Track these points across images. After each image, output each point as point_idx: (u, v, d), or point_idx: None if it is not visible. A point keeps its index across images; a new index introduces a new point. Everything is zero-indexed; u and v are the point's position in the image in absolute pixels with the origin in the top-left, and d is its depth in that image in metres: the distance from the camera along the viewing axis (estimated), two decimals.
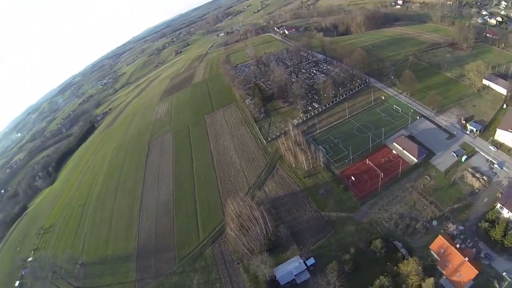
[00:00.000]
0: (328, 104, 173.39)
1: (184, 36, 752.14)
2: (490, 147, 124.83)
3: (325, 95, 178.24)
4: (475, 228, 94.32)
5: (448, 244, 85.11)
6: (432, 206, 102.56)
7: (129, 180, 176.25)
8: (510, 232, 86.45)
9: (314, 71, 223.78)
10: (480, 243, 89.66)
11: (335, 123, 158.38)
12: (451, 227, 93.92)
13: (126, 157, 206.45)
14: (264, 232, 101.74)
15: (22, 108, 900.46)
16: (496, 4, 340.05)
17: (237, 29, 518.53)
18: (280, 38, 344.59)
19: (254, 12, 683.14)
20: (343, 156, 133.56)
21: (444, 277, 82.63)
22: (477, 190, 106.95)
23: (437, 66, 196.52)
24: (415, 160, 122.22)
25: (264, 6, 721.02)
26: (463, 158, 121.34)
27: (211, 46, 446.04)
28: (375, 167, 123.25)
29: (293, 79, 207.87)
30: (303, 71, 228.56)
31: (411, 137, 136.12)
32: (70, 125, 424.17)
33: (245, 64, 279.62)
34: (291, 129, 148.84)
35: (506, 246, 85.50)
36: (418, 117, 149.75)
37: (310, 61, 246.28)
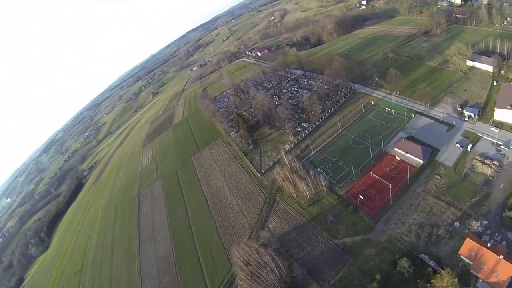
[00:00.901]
0: (318, 121, 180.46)
1: (159, 75, 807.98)
2: (492, 129, 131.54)
3: (312, 112, 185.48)
4: (500, 219, 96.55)
5: (478, 245, 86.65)
6: (450, 206, 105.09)
7: (123, 238, 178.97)
8: None
9: (296, 89, 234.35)
10: (509, 233, 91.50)
11: (329, 140, 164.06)
12: (475, 224, 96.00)
13: (117, 213, 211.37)
14: (278, 276, 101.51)
15: (9, 172, 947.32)
16: None
17: (209, 60, 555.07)
18: (254, 62, 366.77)
19: (224, 40, 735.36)
20: (345, 174, 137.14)
21: (481, 280, 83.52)
22: (491, 178, 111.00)
23: (418, 58, 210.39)
24: (421, 161, 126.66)
25: (232, 32, 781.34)
26: (469, 147, 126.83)
27: (187, 82, 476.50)
28: (381, 179, 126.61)
29: (276, 102, 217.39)
30: (285, 91, 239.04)
31: (411, 138, 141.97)
32: (58, 184, 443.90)
33: (223, 95, 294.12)
34: (284, 156, 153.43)
35: None
36: (413, 115, 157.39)
37: (289, 79, 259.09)
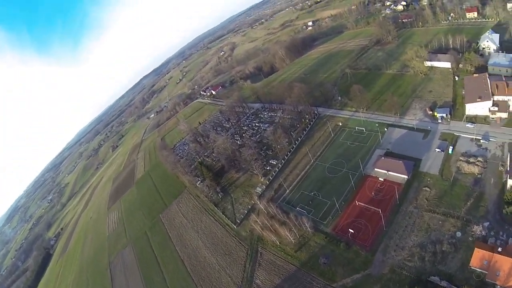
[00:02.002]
0: (286, 156, 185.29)
1: (117, 127, 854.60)
2: (467, 125, 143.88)
3: (279, 147, 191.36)
4: (500, 216, 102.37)
5: (488, 252, 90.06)
6: (447, 217, 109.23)
7: None
8: None
9: (257, 124, 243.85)
10: None
11: (302, 174, 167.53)
12: (477, 229, 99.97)
13: None
14: None
15: None
16: None
17: (165, 106, 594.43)
18: (210, 101, 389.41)
19: (177, 83, 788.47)
20: (328, 208, 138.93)
21: (499, 287, 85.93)
22: (479, 176, 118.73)
23: (376, 68, 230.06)
24: (406, 177, 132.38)
25: (184, 74, 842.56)
26: (450, 150, 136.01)
27: (145, 132, 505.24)
28: (368, 206, 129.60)
29: (239, 142, 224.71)
30: (245, 128, 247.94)
31: (390, 154, 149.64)
32: (25, 257, 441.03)
33: (183, 142, 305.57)
34: (258, 201, 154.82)
35: None
36: (385, 129, 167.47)
37: (248, 114, 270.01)
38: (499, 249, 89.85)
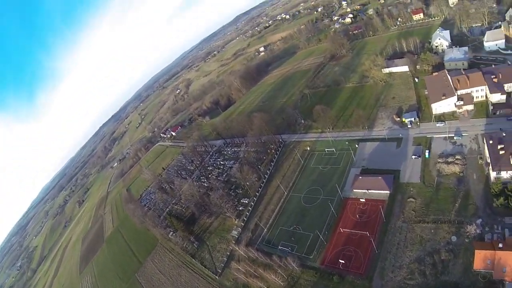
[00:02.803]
0: (258, 192, 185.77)
1: (82, 180, 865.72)
2: (437, 125, 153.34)
3: (248, 183, 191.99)
4: (491, 210, 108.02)
5: (489, 251, 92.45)
6: (439, 224, 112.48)
7: None
8: None
9: (222, 162, 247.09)
10: (506, 219, 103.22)
11: (277, 209, 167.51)
12: (471, 228, 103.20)
13: None
14: None
15: None
16: (339, 7, 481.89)
17: (127, 153, 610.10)
18: (171, 144, 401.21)
19: (137, 127, 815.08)
20: (312, 241, 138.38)
21: (508, 282, 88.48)
22: (461, 174, 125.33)
23: (335, 84, 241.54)
24: (388, 191, 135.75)
25: (143, 117, 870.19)
26: (426, 154, 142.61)
27: (110, 183, 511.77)
28: (353, 230, 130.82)
29: (205, 184, 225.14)
30: (211, 168, 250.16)
31: (366, 171, 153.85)
32: None
33: (148, 191, 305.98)
34: (236, 247, 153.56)
35: None
36: (356, 145, 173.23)
37: (211, 153, 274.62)
38: (500, 245, 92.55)
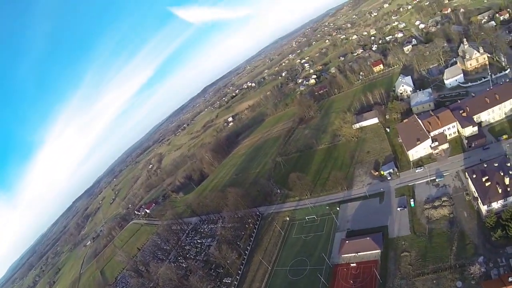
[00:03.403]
0: (240, 270, 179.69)
1: (53, 259, 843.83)
2: (417, 171, 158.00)
3: (228, 262, 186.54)
4: (490, 244, 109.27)
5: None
6: (440, 272, 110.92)
7: None
8: None
9: (199, 240, 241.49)
10: (508, 248, 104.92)
11: (263, 285, 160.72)
12: (475, 269, 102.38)
13: None
14: None
15: None
16: (302, 69, 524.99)
17: (101, 230, 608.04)
18: (146, 222, 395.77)
19: (111, 203, 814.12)
20: None
21: None
22: (451, 215, 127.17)
23: (307, 148, 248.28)
24: (379, 251, 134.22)
25: (116, 192, 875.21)
26: (411, 203, 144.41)
27: (83, 263, 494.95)
28: None
29: (184, 264, 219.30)
30: (188, 247, 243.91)
31: (352, 233, 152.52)
32: None
33: (123, 274, 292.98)
34: None
35: None
36: (337, 208, 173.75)
37: (187, 231, 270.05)
38: (510, 279, 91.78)
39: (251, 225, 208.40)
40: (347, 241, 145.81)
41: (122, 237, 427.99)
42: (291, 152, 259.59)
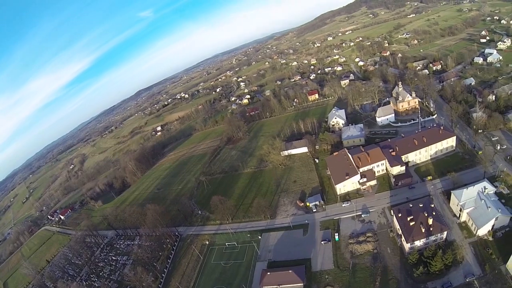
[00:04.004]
0: None
1: None
2: (343, 205, 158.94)
3: (144, 284, 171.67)
4: (412, 279, 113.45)
5: None
6: None
7: None
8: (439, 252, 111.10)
9: (114, 257, 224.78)
10: (429, 284, 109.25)
11: None
12: None
13: None
14: None
15: None
16: (237, 88, 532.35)
17: (9, 233, 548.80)
18: (58, 229, 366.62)
19: (23, 202, 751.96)
20: None
21: None
22: (375, 251, 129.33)
23: (232, 170, 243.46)
24: (301, 284, 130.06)
25: (31, 191, 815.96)
26: (336, 237, 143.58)
27: None
28: None
29: (96, 284, 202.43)
30: (102, 264, 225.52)
31: (273, 264, 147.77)
32: None
33: None
34: None
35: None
36: (259, 236, 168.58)
37: (102, 246, 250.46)
38: None
39: (169, 245, 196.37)
40: (268, 273, 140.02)
41: (31, 244, 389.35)
42: (215, 172, 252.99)
